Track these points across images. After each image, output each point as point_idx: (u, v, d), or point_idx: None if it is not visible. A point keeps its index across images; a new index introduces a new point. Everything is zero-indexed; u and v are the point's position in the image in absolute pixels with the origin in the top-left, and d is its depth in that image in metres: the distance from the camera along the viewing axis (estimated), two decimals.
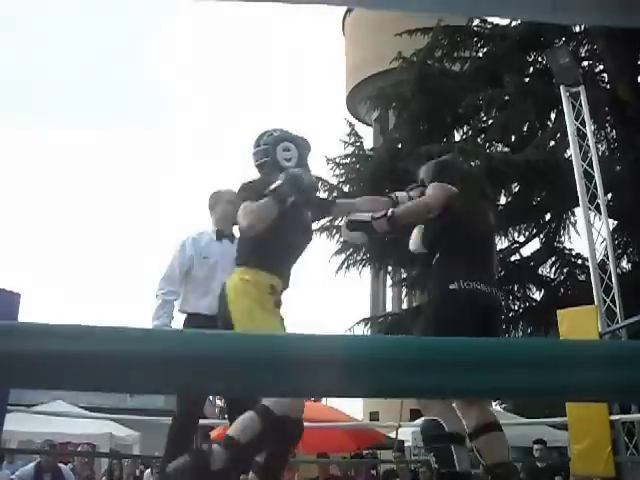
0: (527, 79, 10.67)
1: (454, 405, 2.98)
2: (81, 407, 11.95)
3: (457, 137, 11.57)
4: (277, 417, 2.76)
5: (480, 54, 11.40)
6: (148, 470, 9.53)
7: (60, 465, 7.98)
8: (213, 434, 11.10)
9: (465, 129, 11.49)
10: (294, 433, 2.98)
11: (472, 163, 9.63)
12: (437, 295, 3.12)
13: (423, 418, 2.96)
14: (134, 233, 65.90)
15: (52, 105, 72.95)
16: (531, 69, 11.06)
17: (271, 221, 2.96)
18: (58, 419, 10.77)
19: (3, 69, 66.17)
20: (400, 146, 11.22)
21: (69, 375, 0.88)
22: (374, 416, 20.38)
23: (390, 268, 12.77)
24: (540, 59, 10.69)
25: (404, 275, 12.59)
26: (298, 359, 0.87)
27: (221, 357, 0.86)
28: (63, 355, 0.86)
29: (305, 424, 3.71)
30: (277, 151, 3.23)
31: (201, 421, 10.49)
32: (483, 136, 10.95)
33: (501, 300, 3.20)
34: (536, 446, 8.44)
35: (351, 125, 12.25)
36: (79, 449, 10.29)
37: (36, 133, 67.11)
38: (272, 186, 2.98)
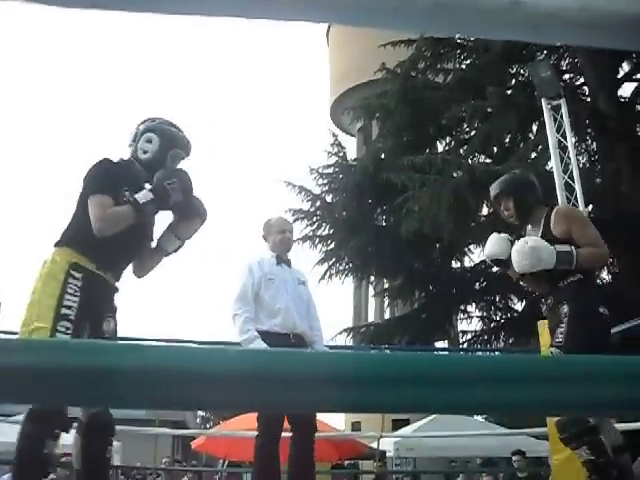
0: (509, 91, 10.77)
1: None
2: None
3: (440, 148, 11.65)
4: (31, 410, 2.73)
5: (463, 66, 11.48)
6: None
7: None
8: (194, 444, 11.08)
9: (448, 140, 11.57)
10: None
11: (454, 174, 9.70)
12: (589, 318, 3.19)
13: (558, 418, 3.04)
14: None
15: None
16: (513, 81, 11.17)
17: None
18: None
19: None
20: (383, 156, 11.27)
21: (45, 389, 0.88)
22: (356, 426, 20.37)
23: (373, 278, 12.80)
24: (522, 72, 10.80)
25: (386, 286, 12.64)
26: (282, 375, 0.87)
27: (201, 371, 0.87)
28: (40, 369, 0.86)
29: (287, 434, 3.74)
30: (140, 139, 3.09)
31: (183, 431, 10.42)
32: (466, 147, 11.02)
33: None
34: (515, 457, 8.48)
35: (334, 135, 12.30)
36: (61, 460, 10.17)
37: None
38: (140, 199, 2.88)
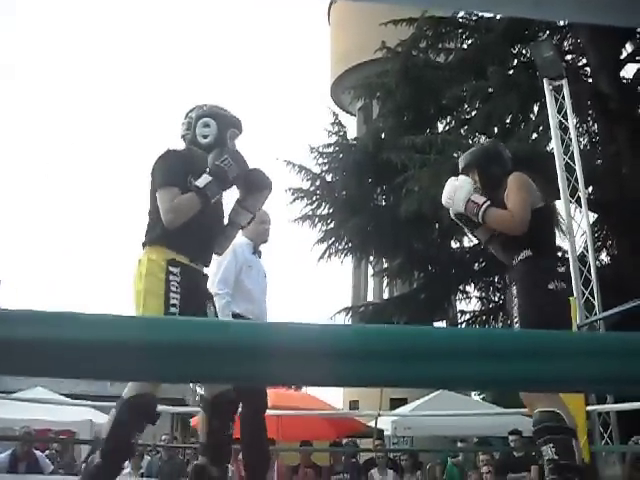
0: (511, 71, 10.72)
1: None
2: (61, 394, 11.90)
3: (440, 128, 11.61)
4: (127, 400, 2.87)
5: (465, 46, 11.42)
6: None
7: (36, 452, 7.92)
8: (193, 421, 11.16)
9: (448, 120, 11.53)
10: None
11: (455, 154, 9.67)
12: (537, 295, 3.05)
13: (539, 410, 2.89)
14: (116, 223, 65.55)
15: None
16: (515, 62, 11.11)
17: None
18: (38, 406, 10.71)
19: None
20: (383, 136, 11.24)
21: (50, 361, 0.88)
22: (354, 405, 20.46)
23: (372, 258, 12.81)
24: (524, 52, 10.74)
25: (385, 265, 12.65)
26: (280, 348, 0.88)
27: (204, 345, 0.87)
28: (44, 341, 0.86)
29: (286, 412, 3.78)
30: (197, 126, 3.19)
31: (182, 409, 10.48)
32: (466, 127, 10.99)
33: None
34: (512, 437, 8.52)
35: (335, 114, 12.26)
36: (59, 436, 10.27)
37: None
38: (200, 184, 2.97)
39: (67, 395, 11.95)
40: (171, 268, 2.93)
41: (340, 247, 11.51)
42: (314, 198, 11.51)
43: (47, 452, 9.01)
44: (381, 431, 10.15)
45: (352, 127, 21.87)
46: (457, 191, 3.19)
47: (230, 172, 3.04)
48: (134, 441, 2.97)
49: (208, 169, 3.03)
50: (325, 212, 11.51)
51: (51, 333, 0.87)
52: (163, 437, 11.23)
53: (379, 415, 7.77)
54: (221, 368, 0.88)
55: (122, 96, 74.48)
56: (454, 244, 11.82)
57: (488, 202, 3.12)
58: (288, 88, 67.70)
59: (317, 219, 11.42)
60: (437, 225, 10.96)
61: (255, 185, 3.21)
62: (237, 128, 3.26)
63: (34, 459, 7.62)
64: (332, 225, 11.45)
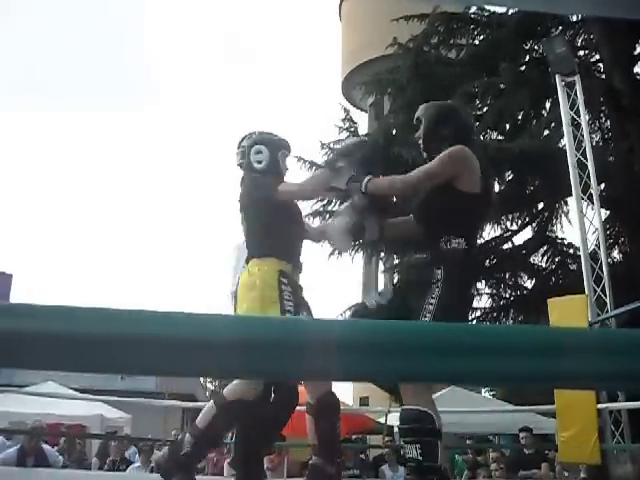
0: (523, 67, 10.65)
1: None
2: (72, 389, 11.96)
3: None
4: (229, 402, 3.17)
5: (476, 41, 11.35)
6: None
7: (45, 447, 7.94)
8: None
9: None
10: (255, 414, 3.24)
11: None
12: (461, 292, 2.98)
13: (408, 407, 2.80)
14: (132, 220, 65.74)
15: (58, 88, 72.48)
16: (527, 58, 11.04)
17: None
18: (49, 400, 10.79)
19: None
20: (395, 132, 11.19)
21: (61, 355, 0.88)
22: (364, 401, 20.49)
23: (382, 254, 12.77)
24: (536, 48, 10.67)
25: (396, 261, 12.61)
26: (292, 342, 0.88)
27: (220, 340, 0.87)
28: (55, 335, 0.86)
29: (297, 408, 3.80)
30: (251, 153, 3.51)
31: (192, 404, 10.57)
32: (478, 124, 10.94)
33: None
34: (522, 434, 8.51)
35: (346, 110, 12.20)
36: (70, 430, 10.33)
37: (37, 116, 66.77)
38: (330, 164, 3.42)
39: (76, 389, 12.02)
40: (282, 279, 3.24)
41: None
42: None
43: (58, 447, 9.04)
44: (391, 427, 10.14)
45: (364, 123, 21.85)
46: (340, 161, 3.35)
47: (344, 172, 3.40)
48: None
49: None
50: (336, 208, 11.48)
51: (60, 326, 0.88)
52: (173, 432, 11.27)
53: (389, 411, 7.76)
54: (232, 361, 0.88)
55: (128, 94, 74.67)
56: None
57: (369, 176, 3.22)
58: (299, 84, 67.70)
59: (328, 215, 11.39)
60: None
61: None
62: (286, 149, 3.62)
63: (42, 453, 7.63)
64: None
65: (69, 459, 8.69)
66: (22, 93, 71.40)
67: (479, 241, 11.57)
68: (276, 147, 3.55)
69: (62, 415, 11.01)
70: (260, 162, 3.49)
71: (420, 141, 3.23)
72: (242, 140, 3.59)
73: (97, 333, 0.88)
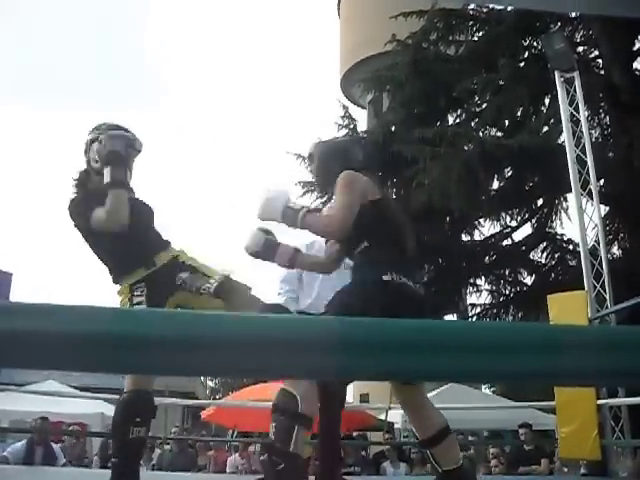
0: (522, 64, 10.65)
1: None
2: (72, 387, 11.97)
3: (451, 121, 11.56)
4: (121, 398, 3.08)
5: (475, 38, 11.35)
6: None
7: (51, 443, 8.01)
8: (204, 414, 11.18)
9: (459, 113, 11.47)
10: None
11: (465, 147, 9.64)
12: (367, 285, 2.87)
13: (281, 388, 2.78)
14: None
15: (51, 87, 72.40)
16: (526, 54, 11.03)
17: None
18: (50, 399, 10.79)
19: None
20: (394, 129, 11.19)
21: (58, 354, 0.88)
22: (364, 398, 20.48)
23: None
24: (535, 44, 10.67)
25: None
26: (286, 340, 0.88)
27: (222, 338, 0.88)
28: (54, 334, 0.87)
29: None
30: (90, 150, 3.19)
31: (192, 402, 10.52)
32: (477, 120, 10.94)
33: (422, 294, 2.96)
34: (521, 430, 8.52)
35: (345, 107, 12.19)
36: (70, 429, 10.32)
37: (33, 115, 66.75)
38: (107, 179, 2.96)
39: (76, 387, 12.02)
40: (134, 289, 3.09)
41: None
42: (324, 191, 11.48)
43: (60, 444, 9.05)
44: (391, 424, 10.16)
45: (363, 120, 21.84)
46: (273, 202, 2.95)
47: (116, 147, 3.00)
48: (141, 435, 3.01)
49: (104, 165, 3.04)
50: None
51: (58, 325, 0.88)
52: (173, 430, 11.28)
53: (390, 408, 7.77)
54: (227, 359, 0.89)
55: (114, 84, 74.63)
56: (465, 237, 11.79)
57: (305, 208, 2.93)
58: (298, 82, 67.59)
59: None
60: (447, 218, 10.92)
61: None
62: (132, 147, 3.19)
63: (50, 448, 7.71)
64: None
65: (70, 457, 8.70)
66: (25, 92, 71.40)
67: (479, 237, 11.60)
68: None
69: (63, 413, 11.02)
70: (97, 161, 3.14)
71: (313, 177, 3.19)
72: (88, 133, 3.24)
73: (114, 333, 0.88)
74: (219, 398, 29.18)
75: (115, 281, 3.16)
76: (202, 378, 35.81)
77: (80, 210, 3.05)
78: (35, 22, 70.07)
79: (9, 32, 68.77)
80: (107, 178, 2.95)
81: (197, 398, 21.87)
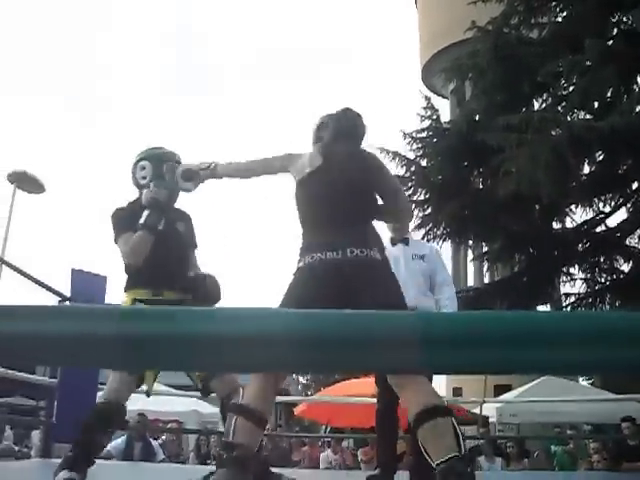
0: (610, 42, 10.23)
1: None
2: (167, 385, 12.28)
3: (536, 106, 11.25)
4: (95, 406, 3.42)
5: (559, 18, 11.00)
6: None
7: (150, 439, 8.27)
8: (297, 410, 11.29)
9: (544, 97, 11.14)
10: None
11: (553, 132, 9.34)
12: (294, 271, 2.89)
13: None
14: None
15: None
16: (614, 31, 10.60)
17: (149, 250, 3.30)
18: (145, 397, 11.10)
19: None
20: (477, 117, 10.98)
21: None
22: (457, 392, 20.28)
23: (471, 242, 12.57)
24: (625, 20, 10.24)
25: (485, 249, 12.39)
26: (370, 336, 0.85)
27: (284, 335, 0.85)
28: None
29: None
30: (137, 174, 3.55)
31: (285, 398, 10.66)
32: (564, 104, 10.59)
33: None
34: (624, 424, 8.20)
35: (427, 98, 12.04)
36: (169, 426, 10.61)
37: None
38: (141, 220, 3.32)
39: (169, 386, 12.34)
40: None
41: (438, 232, 11.32)
42: (410, 184, 11.36)
43: (159, 441, 9.31)
44: (486, 418, 9.97)
45: (445, 110, 21.57)
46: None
47: (159, 195, 3.38)
48: (103, 442, 3.36)
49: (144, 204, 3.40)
50: (422, 198, 11.36)
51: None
52: (268, 427, 11.41)
53: (484, 402, 7.62)
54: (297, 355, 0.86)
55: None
56: (556, 225, 11.46)
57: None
58: (379, 75, 67.33)
59: (414, 205, 11.28)
60: (537, 206, 10.64)
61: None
62: (172, 160, 3.56)
63: (148, 444, 7.96)
64: (429, 211, 11.28)
65: (168, 453, 8.94)
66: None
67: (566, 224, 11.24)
68: (157, 159, 3.53)
69: (159, 411, 11.32)
70: (144, 177, 3.51)
71: None
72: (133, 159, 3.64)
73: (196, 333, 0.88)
74: (311, 394, 29.43)
75: (124, 289, 3.46)
76: (294, 375, 36.16)
77: (117, 225, 3.40)
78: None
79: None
80: (142, 219, 3.33)
81: (289, 395, 22.11)
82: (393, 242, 4.39)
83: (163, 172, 3.49)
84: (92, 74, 69.91)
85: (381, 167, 3.10)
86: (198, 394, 10.72)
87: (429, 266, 4.34)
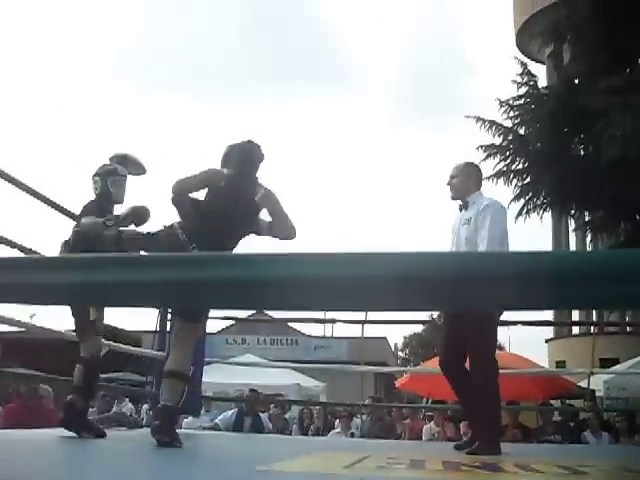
0: None
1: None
2: (268, 360, 12.54)
3: None
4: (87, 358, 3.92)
5: None
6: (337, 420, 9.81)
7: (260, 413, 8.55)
8: (398, 383, 11.32)
9: None
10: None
11: None
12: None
13: (173, 352, 3.65)
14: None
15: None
16: None
17: None
18: (248, 371, 11.40)
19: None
20: (577, 81, 10.59)
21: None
22: (560, 365, 19.81)
23: (572, 212, 12.17)
24: None
25: (588, 218, 11.97)
26: (487, 274, 0.88)
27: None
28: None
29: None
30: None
31: (386, 368, 10.57)
32: None
33: None
34: None
35: (523, 64, 11.69)
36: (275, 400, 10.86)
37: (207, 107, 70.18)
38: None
39: (272, 360, 12.58)
40: None
41: (538, 202, 11.03)
42: (507, 153, 11.09)
43: (266, 414, 9.52)
44: (593, 391, 9.68)
45: (542, 76, 20.87)
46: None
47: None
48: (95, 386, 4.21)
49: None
50: (520, 167, 11.07)
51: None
52: (368, 399, 11.47)
53: (592, 374, 7.34)
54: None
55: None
56: None
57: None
58: (472, 43, 65.80)
59: (512, 175, 11.01)
60: None
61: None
62: (121, 174, 4.09)
63: (258, 418, 8.21)
64: (528, 180, 10.99)
65: (274, 426, 9.13)
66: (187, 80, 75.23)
67: None
68: (106, 176, 4.02)
69: (262, 385, 11.57)
70: (96, 189, 4.03)
71: None
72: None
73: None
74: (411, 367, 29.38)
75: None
76: (393, 348, 36.15)
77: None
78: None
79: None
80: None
81: (388, 365, 22.15)
82: (460, 208, 4.19)
83: (108, 186, 4.02)
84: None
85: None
86: (299, 365, 10.83)
87: (470, 231, 4.00)
